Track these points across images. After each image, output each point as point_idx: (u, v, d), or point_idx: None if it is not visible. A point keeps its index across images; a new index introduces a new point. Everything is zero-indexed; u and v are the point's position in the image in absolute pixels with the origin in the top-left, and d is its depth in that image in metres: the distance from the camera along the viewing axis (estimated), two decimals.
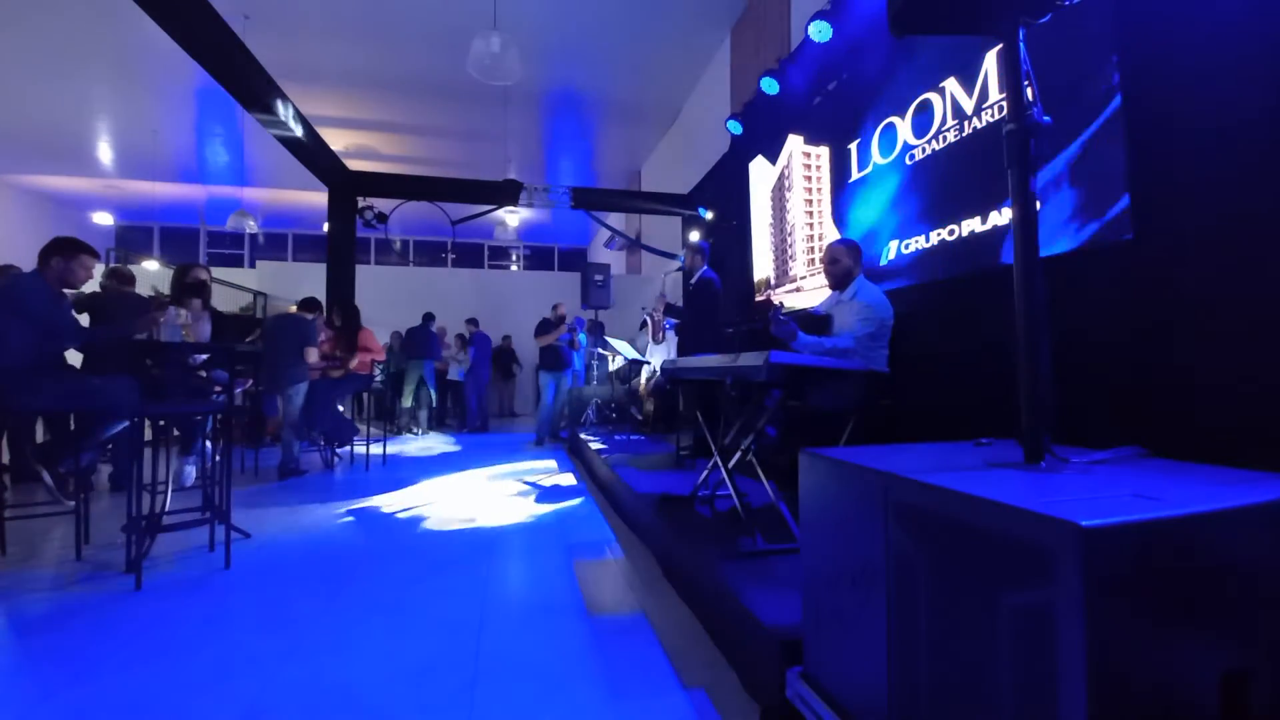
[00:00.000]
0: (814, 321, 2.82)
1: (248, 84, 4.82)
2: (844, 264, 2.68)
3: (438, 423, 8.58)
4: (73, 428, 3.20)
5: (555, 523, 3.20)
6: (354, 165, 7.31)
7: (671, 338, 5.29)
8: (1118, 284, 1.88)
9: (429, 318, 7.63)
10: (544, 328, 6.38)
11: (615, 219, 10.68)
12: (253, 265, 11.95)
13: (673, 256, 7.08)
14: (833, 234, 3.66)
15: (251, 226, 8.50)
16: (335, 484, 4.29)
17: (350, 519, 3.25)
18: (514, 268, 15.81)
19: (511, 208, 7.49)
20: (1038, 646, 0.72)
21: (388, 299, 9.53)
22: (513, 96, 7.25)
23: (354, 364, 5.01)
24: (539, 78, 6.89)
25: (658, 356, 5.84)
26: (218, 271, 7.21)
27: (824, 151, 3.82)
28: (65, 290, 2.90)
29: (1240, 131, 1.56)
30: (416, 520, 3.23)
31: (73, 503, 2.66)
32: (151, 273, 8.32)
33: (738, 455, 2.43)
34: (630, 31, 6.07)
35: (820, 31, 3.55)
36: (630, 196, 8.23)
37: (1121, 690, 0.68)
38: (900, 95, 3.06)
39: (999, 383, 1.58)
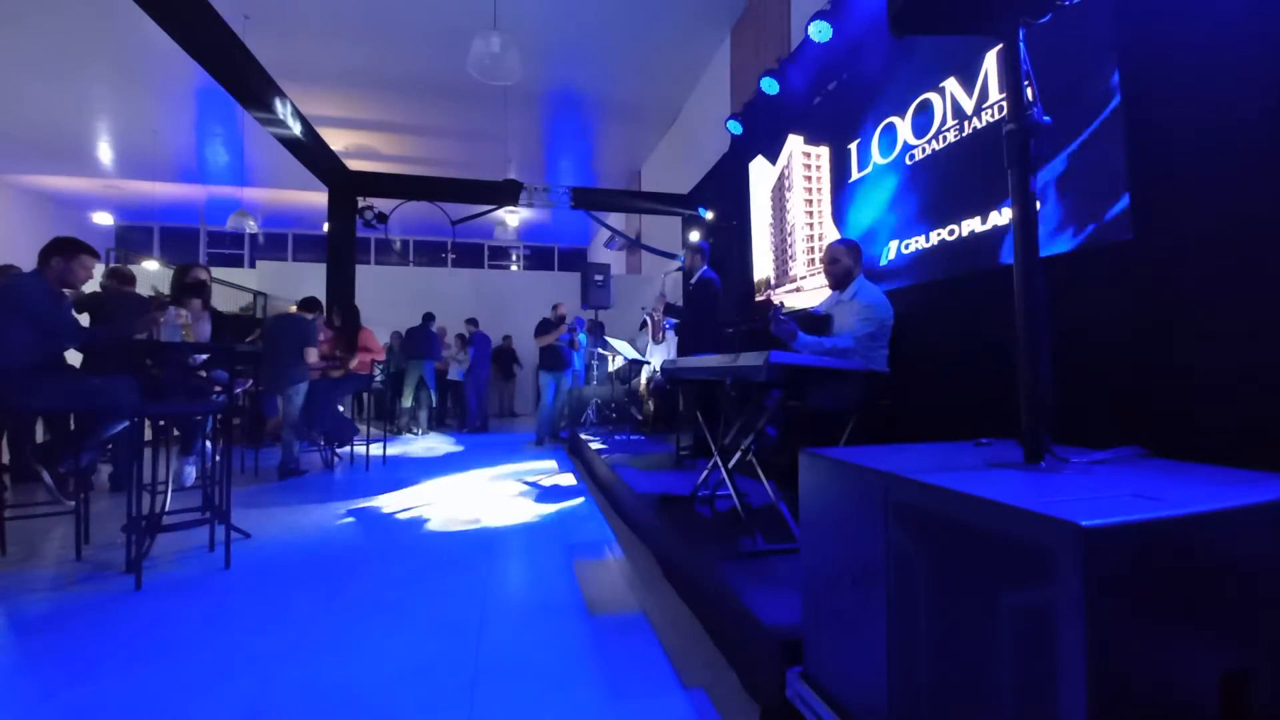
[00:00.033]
0: (814, 321, 2.82)
1: (248, 84, 4.82)
2: (844, 264, 2.68)
3: (438, 423, 8.58)
4: (73, 428, 3.20)
5: (555, 523, 3.20)
6: (354, 165, 7.31)
7: (671, 338, 5.29)
8: (1118, 284, 1.88)
9: (429, 318, 7.63)
10: (544, 328, 6.38)
11: (615, 219, 10.68)
12: (253, 265, 11.95)
13: (673, 256, 7.08)
14: (833, 234, 3.67)
15: (251, 226, 8.50)
16: (335, 484, 4.29)
17: (350, 519, 3.25)
18: (514, 268, 15.81)
19: (511, 208, 7.49)
20: (1038, 646, 0.72)
21: (388, 299, 9.53)
22: (513, 96, 7.25)
23: (354, 364, 5.01)
24: (539, 78, 6.89)
25: (658, 356, 5.84)
26: (218, 271, 7.21)
27: (824, 151, 3.82)
28: (65, 290, 2.90)
29: (1240, 131, 1.56)
30: (416, 520, 3.23)
31: (73, 503, 2.66)
32: (151, 273, 8.32)
33: (738, 455, 2.43)
34: (630, 31, 6.07)
35: (820, 31, 3.55)
36: (630, 196, 8.23)
37: (1121, 690, 0.68)
38: (900, 95, 3.06)
39: (999, 383, 1.58)
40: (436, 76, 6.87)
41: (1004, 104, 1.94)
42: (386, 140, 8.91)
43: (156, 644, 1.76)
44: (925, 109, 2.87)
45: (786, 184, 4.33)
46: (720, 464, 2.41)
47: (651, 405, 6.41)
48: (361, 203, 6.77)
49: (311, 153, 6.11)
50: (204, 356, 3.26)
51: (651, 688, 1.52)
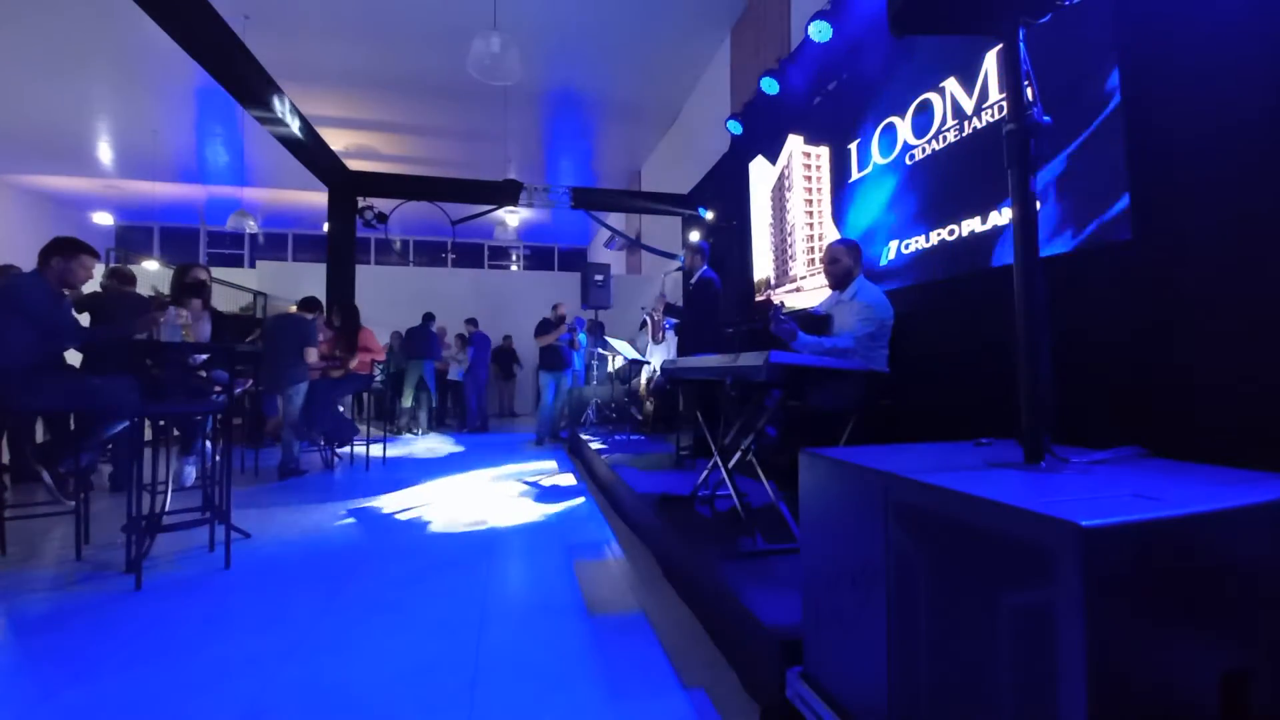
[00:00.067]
0: (814, 321, 2.82)
1: (248, 84, 4.82)
2: (844, 264, 2.68)
3: (438, 423, 8.58)
4: (73, 428, 3.20)
5: (555, 523, 3.20)
6: (354, 165, 7.31)
7: (671, 338, 5.29)
8: (1118, 284, 1.88)
9: (429, 318, 7.63)
10: (544, 328, 6.38)
11: (615, 219, 10.68)
12: (253, 265, 11.95)
13: (673, 256, 7.08)
14: (833, 234, 3.67)
15: (251, 226, 8.50)
16: (335, 484, 4.29)
17: (350, 519, 3.25)
18: (514, 268, 15.81)
19: (511, 208, 7.49)
20: (1038, 646, 0.72)
21: (388, 299, 9.52)
22: (513, 96, 7.25)
23: (354, 364, 5.01)
24: (539, 78, 6.89)
25: (658, 356, 5.84)
26: (218, 271, 7.20)
27: (824, 151, 3.82)
28: (65, 290, 2.90)
29: (1240, 131, 1.56)
30: (416, 520, 3.23)
31: (73, 503, 2.66)
32: (151, 273, 8.32)
33: (738, 455, 2.43)
34: (630, 31, 6.08)
35: (820, 31, 3.55)
36: (630, 196, 8.23)
37: (1121, 690, 0.68)
38: (900, 95, 3.06)
39: (999, 383, 1.58)
40: (436, 76, 6.87)
41: (1004, 104, 1.94)
42: (386, 140, 8.91)
43: (156, 644, 1.76)
44: (925, 109, 2.87)
45: (786, 184, 4.33)
46: (720, 464, 2.41)
47: (651, 405, 6.41)
48: (361, 203, 6.76)
49: (311, 153, 6.11)
50: (204, 356, 3.26)
51: (651, 688, 1.52)
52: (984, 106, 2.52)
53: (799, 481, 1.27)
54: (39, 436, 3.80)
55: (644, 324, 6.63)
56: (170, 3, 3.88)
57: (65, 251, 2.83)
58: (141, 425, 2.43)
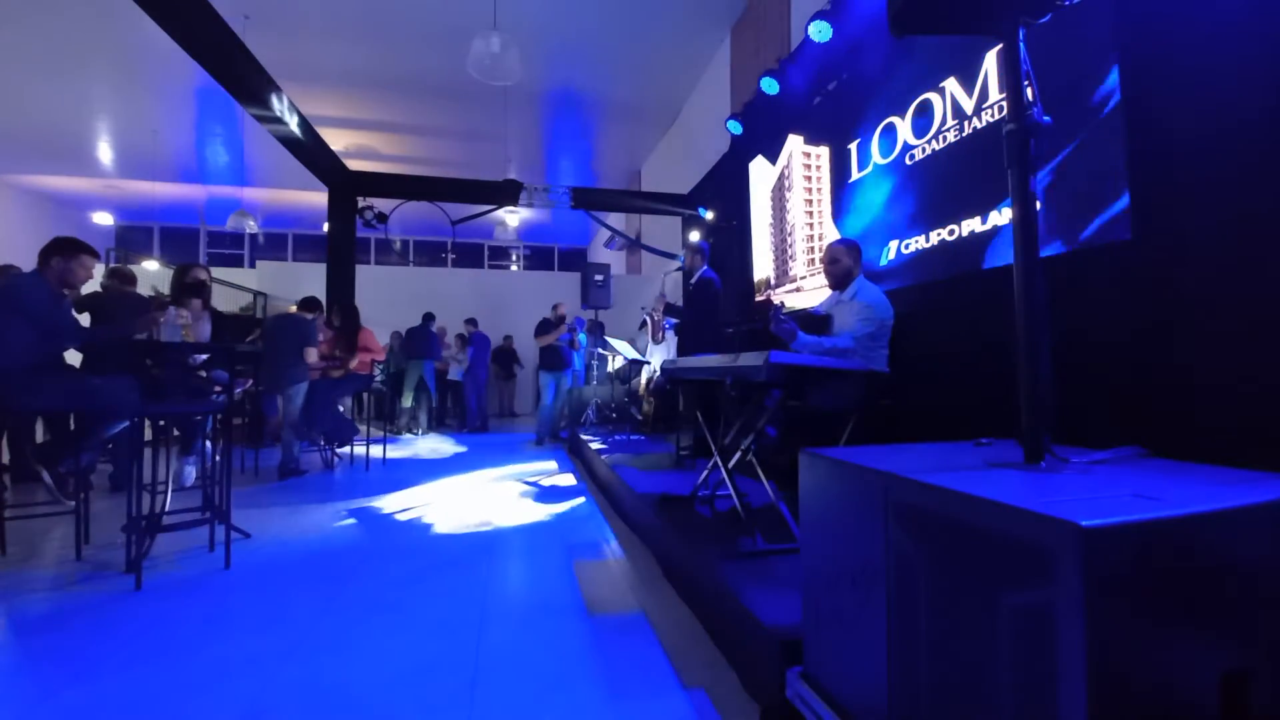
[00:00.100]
0: (814, 321, 2.82)
1: (247, 84, 4.82)
2: (844, 264, 2.68)
3: (438, 423, 8.58)
4: (73, 428, 3.20)
5: (555, 523, 3.20)
6: (354, 165, 7.31)
7: (671, 338, 5.29)
8: (1118, 284, 1.88)
9: (429, 318, 7.63)
10: (544, 328, 6.38)
11: (615, 219, 10.68)
12: (253, 265, 11.94)
13: (673, 256, 7.08)
14: (833, 234, 3.67)
15: (251, 226, 8.50)
16: (335, 484, 4.29)
17: (350, 519, 3.25)
18: (514, 268, 15.81)
19: (511, 208, 7.49)
20: (1038, 646, 0.72)
21: (388, 299, 9.52)
22: (513, 96, 7.25)
23: (354, 364, 5.01)
24: (539, 78, 6.89)
25: (658, 356, 5.83)
26: (218, 271, 7.19)
27: (824, 151, 3.82)
28: (65, 290, 2.90)
29: (1240, 131, 1.56)
30: (416, 520, 3.23)
31: (73, 503, 2.66)
32: (151, 273, 8.32)
33: (738, 455, 2.43)
34: (630, 31, 6.07)
35: (820, 31, 3.55)
36: (630, 196, 8.23)
37: (1121, 690, 0.68)
38: (900, 95, 3.06)
39: (999, 383, 1.58)
40: (436, 76, 6.87)
41: (1004, 104, 1.94)
42: (386, 140, 8.91)
43: (156, 644, 1.76)
44: (925, 109, 2.87)
45: (786, 184, 4.33)
46: (720, 464, 2.41)
47: (651, 405, 6.41)
48: (361, 203, 6.76)
49: (311, 153, 6.11)
50: (204, 356, 3.26)
51: (651, 688, 1.53)
52: (984, 106, 2.52)
53: (799, 481, 1.27)
54: (39, 436, 3.80)
55: (644, 324, 6.63)
56: (170, 3, 3.88)
57: (65, 251, 2.83)
58: (141, 425, 2.43)
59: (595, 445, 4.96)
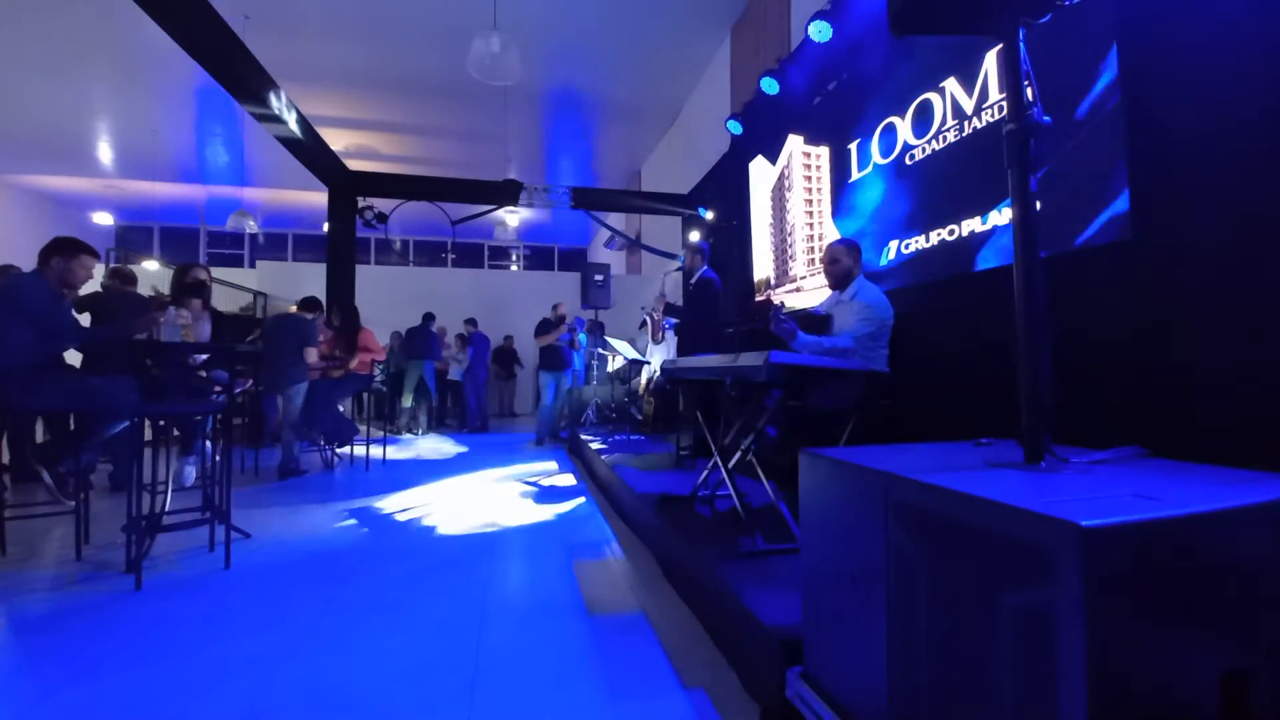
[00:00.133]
0: (814, 321, 2.82)
1: (248, 84, 4.82)
2: (844, 264, 2.68)
3: (438, 423, 8.59)
4: (73, 428, 3.20)
5: (555, 523, 3.20)
6: (354, 165, 7.31)
7: (671, 338, 5.29)
8: (1118, 284, 1.88)
9: (429, 318, 7.63)
10: (544, 328, 6.38)
11: (615, 219, 10.68)
12: (253, 265, 11.94)
13: (673, 256, 7.08)
14: (833, 234, 3.67)
15: (251, 226, 8.50)
16: (335, 484, 4.29)
17: (350, 519, 3.25)
18: (514, 268, 15.81)
19: (511, 208, 7.49)
20: (1038, 647, 0.72)
21: (388, 299, 9.52)
22: (513, 96, 7.25)
23: (354, 364, 5.01)
24: (539, 78, 6.89)
25: (658, 356, 5.84)
26: (218, 271, 7.19)
27: (824, 151, 3.82)
28: (66, 290, 2.90)
29: (1240, 131, 1.56)
30: (416, 520, 3.23)
31: (73, 503, 2.66)
32: (151, 273, 8.32)
33: (738, 455, 2.43)
34: (630, 32, 6.07)
35: (820, 31, 3.55)
36: (630, 196, 8.23)
37: (1121, 690, 0.68)
38: (900, 95, 3.06)
39: (999, 383, 1.58)
40: (436, 76, 6.87)
41: (1004, 104, 1.94)
42: (386, 140, 8.91)
43: (156, 644, 1.76)
44: (925, 109, 2.87)
45: (786, 184, 4.33)
46: (720, 464, 2.41)
47: (651, 405, 6.41)
48: (361, 203, 6.77)
49: (311, 153, 6.11)
50: (204, 356, 3.26)
51: (651, 688, 1.53)
52: (984, 106, 2.52)
53: (799, 481, 1.26)
54: (39, 436, 3.80)
55: (644, 324, 6.63)
56: (170, 3, 3.88)
57: (65, 251, 2.83)
58: (141, 425, 2.43)
59: (595, 445, 4.96)
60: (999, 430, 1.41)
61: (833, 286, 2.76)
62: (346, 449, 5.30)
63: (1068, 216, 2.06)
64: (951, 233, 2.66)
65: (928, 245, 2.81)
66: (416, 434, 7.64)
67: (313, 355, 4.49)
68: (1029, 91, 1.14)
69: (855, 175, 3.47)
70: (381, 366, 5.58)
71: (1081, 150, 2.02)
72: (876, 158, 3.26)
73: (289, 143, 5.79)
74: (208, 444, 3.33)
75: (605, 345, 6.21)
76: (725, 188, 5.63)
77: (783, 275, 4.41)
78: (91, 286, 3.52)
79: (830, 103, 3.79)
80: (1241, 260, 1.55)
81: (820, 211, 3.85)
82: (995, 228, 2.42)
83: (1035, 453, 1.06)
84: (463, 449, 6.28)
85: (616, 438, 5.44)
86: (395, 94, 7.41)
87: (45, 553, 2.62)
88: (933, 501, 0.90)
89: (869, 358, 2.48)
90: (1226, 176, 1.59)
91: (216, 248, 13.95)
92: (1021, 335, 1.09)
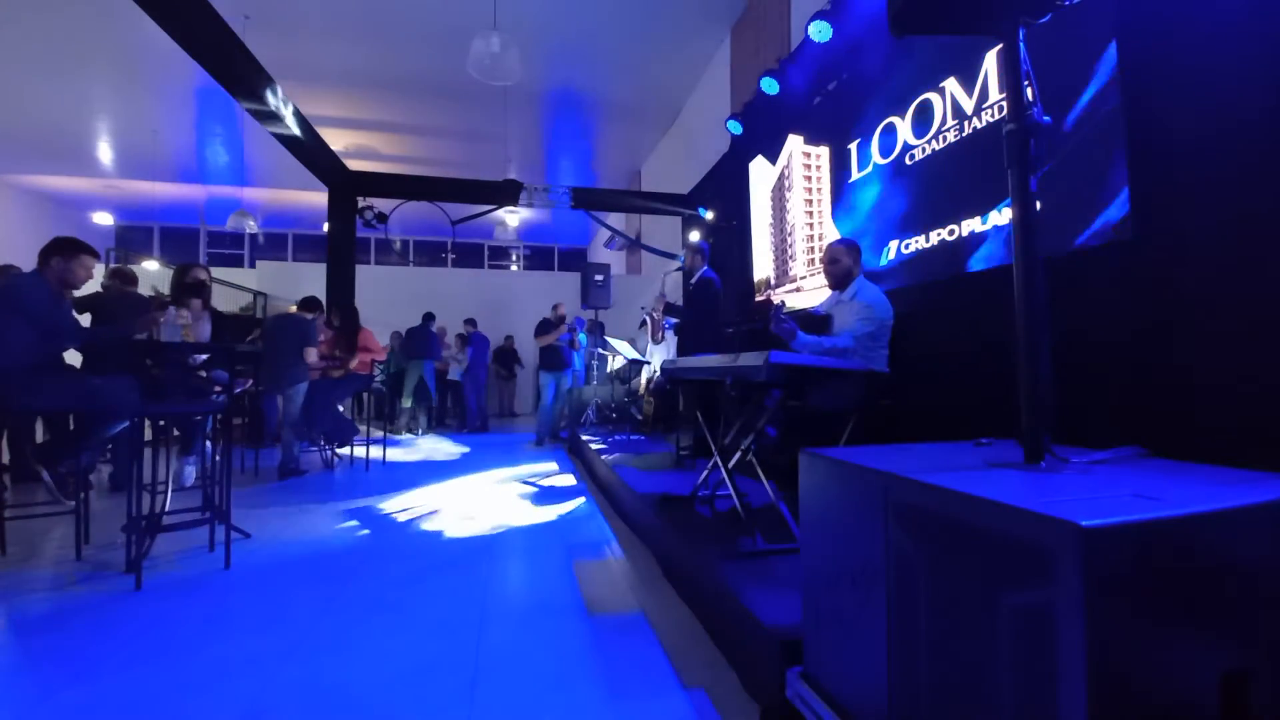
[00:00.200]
0: (814, 321, 2.82)
1: (248, 84, 4.82)
2: (844, 264, 2.68)
3: (437, 423, 8.59)
4: (73, 428, 3.20)
5: (555, 523, 3.20)
6: (354, 165, 7.31)
7: (671, 338, 5.29)
8: (1118, 284, 1.88)
9: (429, 318, 7.63)
10: (544, 328, 6.39)
11: (615, 219, 10.68)
12: (253, 265, 11.94)
13: (673, 256, 7.08)
14: (833, 234, 3.67)
15: (251, 226, 8.50)
16: (335, 484, 4.29)
17: (350, 519, 3.25)
18: (514, 268, 15.81)
19: (511, 208, 7.49)
20: (1038, 647, 0.72)
21: (388, 299, 9.52)
22: (513, 96, 7.25)
23: (354, 364, 5.01)
24: (539, 78, 6.89)
25: (658, 356, 5.84)
26: (218, 271, 7.19)
27: (824, 151, 3.82)
28: (66, 290, 2.90)
29: (1240, 131, 1.56)
30: (416, 520, 3.23)
31: (73, 503, 2.66)
32: (151, 273, 8.32)
33: (738, 455, 2.43)
34: (630, 32, 6.07)
35: (820, 31, 3.55)
36: (630, 196, 8.23)
37: (1121, 690, 0.68)
38: (900, 95, 3.06)
39: (999, 383, 1.58)
40: (436, 76, 6.87)
41: (1004, 104, 1.94)
42: (386, 140, 8.91)
43: (156, 644, 1.76)
44: (925, 109, 2.87)
45: (786, 184, 4.33)
46: (720, 464, 2.41)
47: (651, 405, 6.41)
48: (361, 203, 6.76)
49: (311, 152, 6.11)
50: (204, 356, 3.26)
51: (651, 688, 1.52)
52: (984, 106, 2.52)
53: (799, 481, 1.26)
54: (39, 436, 3.80)
55: (644, 324, 6.63)
56: (170, 3, 3.88)
57: (65, 251, 2.83)
58: (141, 425, 2.43)
59: (595, 445, 4.96)
60: (999, 430, 1.41)
61: (833, 286, 2.76)
62: (346, 449, 5.30)
63: (1068, 216, 2.05)
64: (951, 233, 2.66)
65: (927, 245, 2.81)
66: (416, 434, 7.64)
67: (313, 355, 4.49)
68: (1029, 91, 1.14)
69: (855, 175, 3.47)
70: (381, 367, 5.57)
71: (1081, 150, 2.02)
72: (876, 158, 3.26)
73: (289, 142, 5.78)
74: (208, 444, 3.33)
75: (605, 345, 6.20)
76: (725, 188, 5.63)
77: (783, 275, 4.41)
78: (91, 286, 3.52)
79: (830, 103, 3.79)
80: (1241, 260, 1.55)
81: (820, 211, 3.85)
82: (995, 227, 2.42)
83: (1035, 453, 1.06)
84: (463, 449, 6.28)
85: (616, 438, 5.44)
86: (395, 94, 7.41)
87: (45, 553, 2.62)
88: (933, 501, 0.90)
89: (869, 358, 2.48)
90: (1226, 176, 1.59)
91: (216, 248, 13.94)
92: (1021, 335, 1.09)
